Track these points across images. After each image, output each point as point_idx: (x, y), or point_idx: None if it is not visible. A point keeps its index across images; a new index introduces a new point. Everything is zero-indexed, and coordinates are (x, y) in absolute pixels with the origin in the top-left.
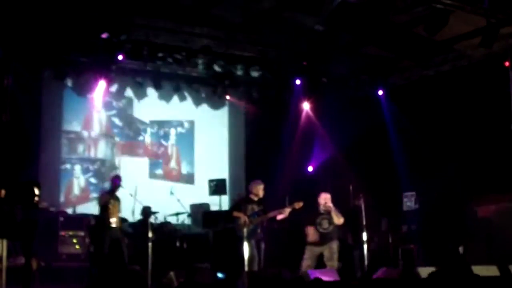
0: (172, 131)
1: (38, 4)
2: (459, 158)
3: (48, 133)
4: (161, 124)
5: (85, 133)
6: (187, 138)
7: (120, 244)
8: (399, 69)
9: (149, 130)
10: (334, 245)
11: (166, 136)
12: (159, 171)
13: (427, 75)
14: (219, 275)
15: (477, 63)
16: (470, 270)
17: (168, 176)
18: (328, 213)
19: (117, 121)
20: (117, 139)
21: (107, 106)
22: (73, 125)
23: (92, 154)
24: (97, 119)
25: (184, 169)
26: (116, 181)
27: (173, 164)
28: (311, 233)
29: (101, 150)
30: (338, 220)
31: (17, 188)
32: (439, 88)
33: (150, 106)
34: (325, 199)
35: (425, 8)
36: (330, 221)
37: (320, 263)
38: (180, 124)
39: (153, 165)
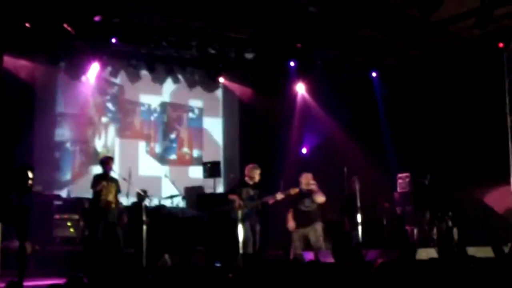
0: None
1: None
2: (453, 139)
3: (43, 116)
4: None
5: (83, 116)
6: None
7: (115, 228)
8: (393, 51)
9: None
10: (319, 227)
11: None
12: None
13: (422, 56)
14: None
15: (471, 44)
16: (465, 251)
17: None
18: (310, 191)
19: (110, 106)
20: (115, 123)
21: (101, 91)
22: (68, 108)
23: (89, 136)
24: (93, 103)
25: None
26: (108, 163)
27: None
28: (290, 218)
29: (98, 133)
30: (319, 198)
31: (11, 172)
32: (434, 69)
33: (144, 89)
34: (306, 178)
35: None
36: (312, 200)
37: (307, 246)
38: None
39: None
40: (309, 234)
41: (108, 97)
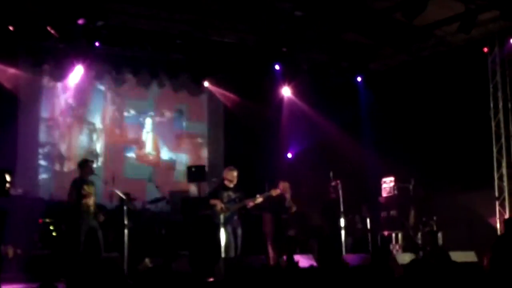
0: (148, 120)
1: None
2: (438, 143)
3: (27, 120)
4: (139, 111)
5: (67, 120)
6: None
7: (96, 232)
8: (379, 56)
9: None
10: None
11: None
12: (131, 154)
13: (407, 61)
14: None
15: (456, 49)
16: (448, 256)
17: (142, 159)
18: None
19: (96, 110)
20: (101, 127)
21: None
22: (53, 112)
23: (73, 140)
24: (78, 107)
25: (165, 155)
26: (86, 166)
27: (149, 149)
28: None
29: (83, 136)
30: (293, 208)
31: None
32: (419, 74)
33: (129, 93)
34: (285, 186)
35: None
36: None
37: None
38: (161, 113)
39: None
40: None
41: (94, 101)
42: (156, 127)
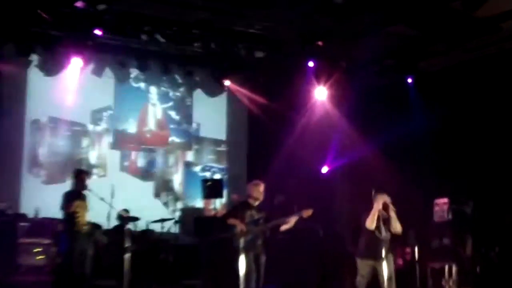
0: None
1: None
2: (502, 159)
3: (9, 120)
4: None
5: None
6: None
7: (86, 254)
8: (432, 53)
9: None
10: (392, 261)
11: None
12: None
13: (466, 59)
14: None
15: None
16: None
17: None
18: (388, 217)
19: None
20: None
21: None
22: (41, 112)
23: (66, 146)
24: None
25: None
26: (82, 178)
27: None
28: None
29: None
30: (398, 227)
31: None
32: (481, 76)
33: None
34: (383, 199)
35: None
36: (389, 228)
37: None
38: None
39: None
40: (380, 268)
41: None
42: None
